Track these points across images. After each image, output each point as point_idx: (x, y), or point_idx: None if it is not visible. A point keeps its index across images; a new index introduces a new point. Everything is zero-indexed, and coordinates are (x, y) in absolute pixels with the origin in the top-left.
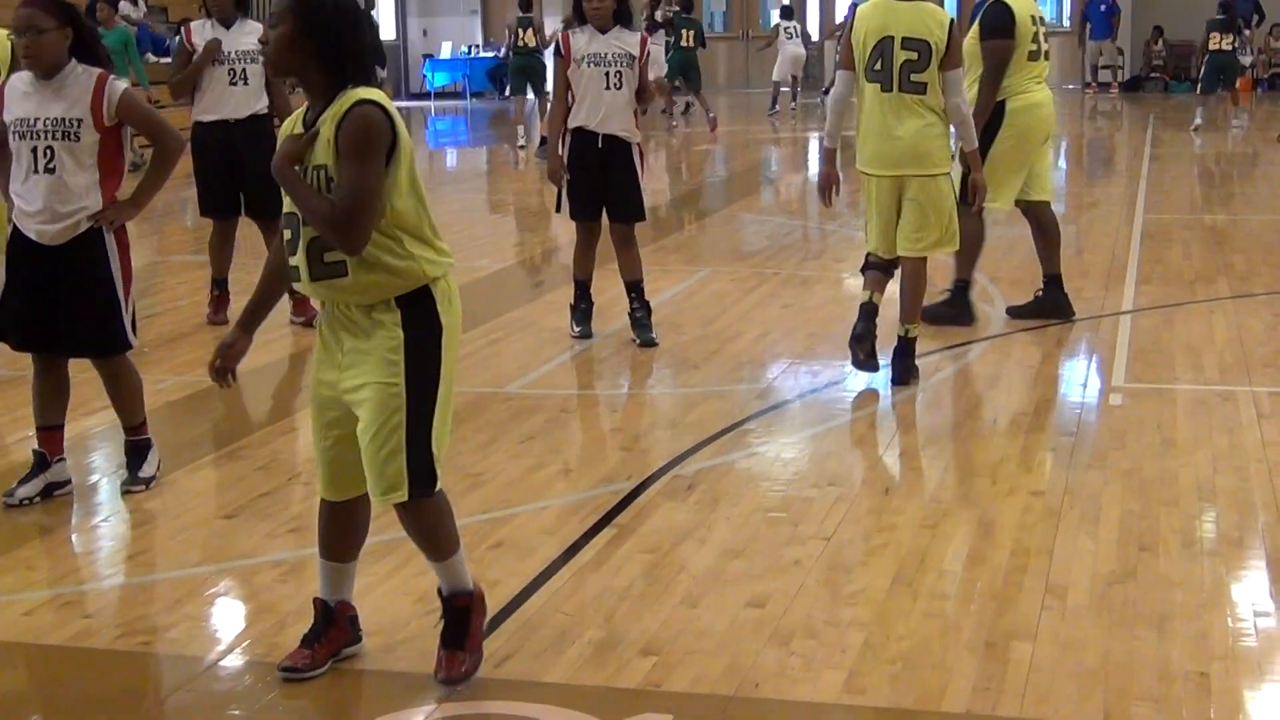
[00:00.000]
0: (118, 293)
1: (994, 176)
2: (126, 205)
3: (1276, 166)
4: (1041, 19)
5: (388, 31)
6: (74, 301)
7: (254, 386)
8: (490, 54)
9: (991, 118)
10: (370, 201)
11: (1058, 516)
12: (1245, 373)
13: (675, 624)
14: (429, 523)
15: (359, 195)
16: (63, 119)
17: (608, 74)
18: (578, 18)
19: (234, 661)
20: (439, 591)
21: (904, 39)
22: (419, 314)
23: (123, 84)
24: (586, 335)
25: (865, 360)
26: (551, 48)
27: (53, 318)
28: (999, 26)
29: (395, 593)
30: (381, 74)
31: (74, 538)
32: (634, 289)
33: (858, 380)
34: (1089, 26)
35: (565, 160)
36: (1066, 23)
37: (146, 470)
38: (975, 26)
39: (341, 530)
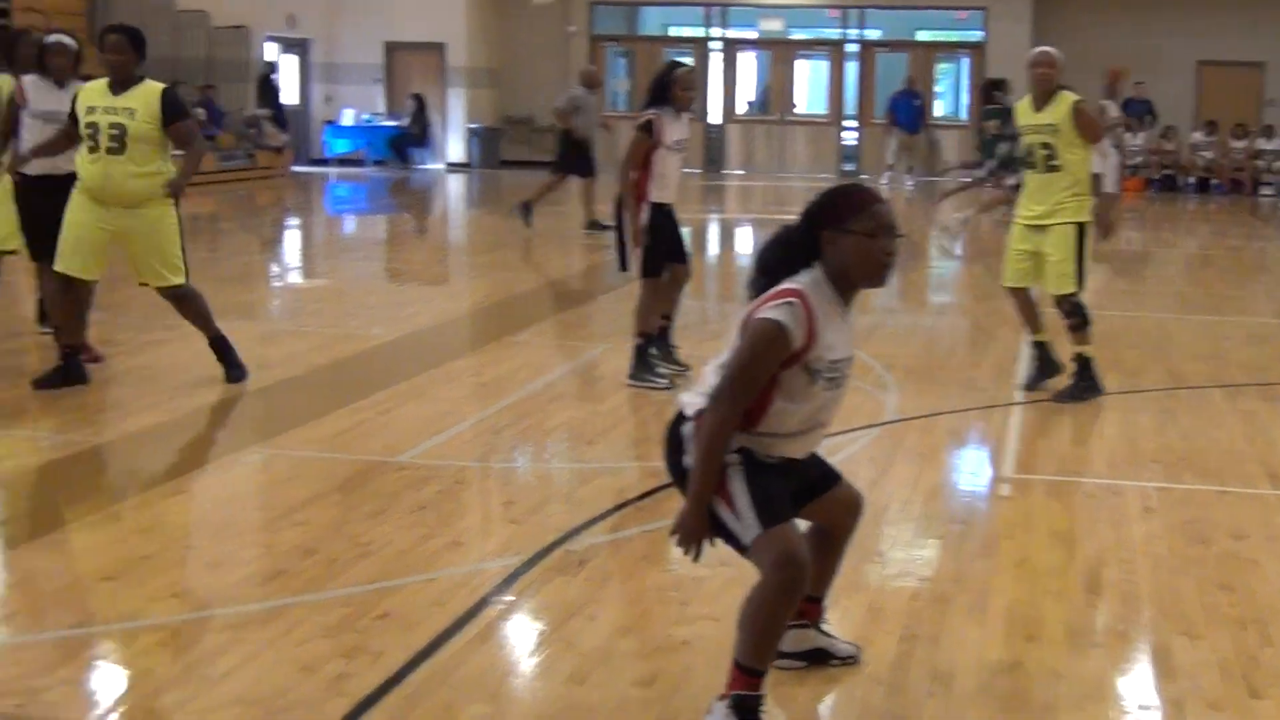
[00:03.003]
0: None
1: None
2: None
3: (1168, 266)
4: (105, 109)
5: (290, 96)
6: None
7: (139, 447)
8: (392, 123)
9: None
10: None
11: (946, 604)
12: (1133, 467)
13: (562, 700)
14: None
15: None
16: None
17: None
18: (656, 102)
19: None
20: None
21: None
22: None
23: None
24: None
25: None
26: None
27: None
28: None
29: (278, 660)
30: (284, 137)
31: None
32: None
33: None
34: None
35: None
36: (964, 115)
37: None
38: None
39: None
